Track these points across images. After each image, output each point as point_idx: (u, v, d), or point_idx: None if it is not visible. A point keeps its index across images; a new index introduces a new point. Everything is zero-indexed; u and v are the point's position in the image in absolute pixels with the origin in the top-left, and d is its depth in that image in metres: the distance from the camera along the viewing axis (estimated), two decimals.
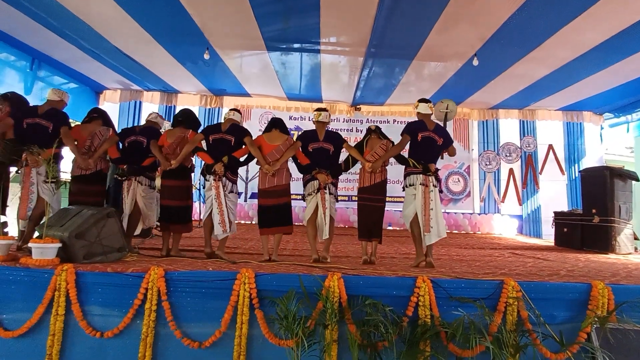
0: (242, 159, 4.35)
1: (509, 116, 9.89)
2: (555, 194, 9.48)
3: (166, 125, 5.38)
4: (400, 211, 7.73)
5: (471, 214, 9.72)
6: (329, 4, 5.25)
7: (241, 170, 4.56)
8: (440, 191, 4.28)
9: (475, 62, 6.53)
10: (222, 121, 4.38)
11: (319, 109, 4.48)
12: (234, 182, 4.21)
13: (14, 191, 4.25)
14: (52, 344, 2.91)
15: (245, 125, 4.57)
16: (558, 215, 7.39)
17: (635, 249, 6.46)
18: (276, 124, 4.34)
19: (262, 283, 3.02)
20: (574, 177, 9.50)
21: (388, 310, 2.87)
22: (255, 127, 9.17)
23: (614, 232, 6.13)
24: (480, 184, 9.87)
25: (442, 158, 4.58)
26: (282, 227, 4.16)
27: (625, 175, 6.47)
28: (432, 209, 4.06)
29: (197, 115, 4.73)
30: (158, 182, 4.54)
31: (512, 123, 9.91)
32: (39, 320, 2.95)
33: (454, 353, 2.90)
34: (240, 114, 4.49)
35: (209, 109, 9.69)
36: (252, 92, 9.43)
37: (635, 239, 6.47)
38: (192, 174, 4.56)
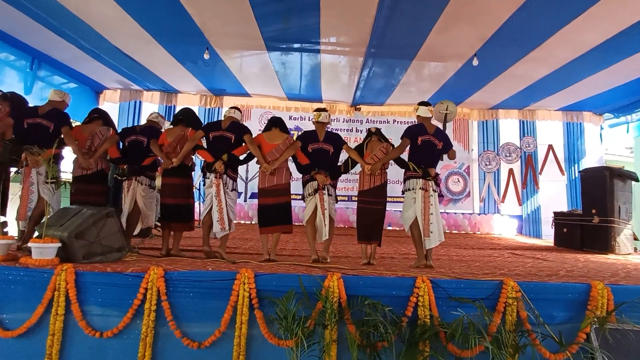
0: (242, 157, 4.35)
1: (509, 116, 9.89)
2: (555, 194, 9.48)
3: (167, 125, 5.38)
4: (400, 211, 7.75)
5: (471, 214, 9.73)
6: (329, 4, 5.25)
7: (241, 170, 4.56)
8: (440, 195, 4.27)
9: (475, 62, 6.53)
10: (222, 119, 4.39)
11: (318, 109, 4.47)
12: (235, 180, 4.21)
13: (14, 191, 4.25)
14: (52, 343, 2.91)
15: (244, 124, 4.57)
16: (558, 215, 7.39)
17: (635, 249, 6.46)
18: (276, 123, 4.34)
19: (261, 283, 3.03)
20: (573, 178, 9.50)
21: (387, 310, 2.88)
22: (255, 127, 9.15)
23: (614, 232, 6.13)
24: (480, 184, 9.87)
25: (441, 160, 4.58)
26: (282, 226, 4.16)
27: (625, 176, 6.47)
28: (431, 214, 4.07)
29: (197, 114, 4.73)
30: (158, 181, 4.54)
31: (512, 123, 9.91)
32: (39, 320, 2.95)
33: (453, 353, 2.90)
34: (241, 112, 4.50)
35: (209, 109, 9.70)
36: (252, 92, 9.44)
37: (635, 239, 6.47)
38: (192, 173, 4.56)
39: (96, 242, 3.42)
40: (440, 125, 6.80)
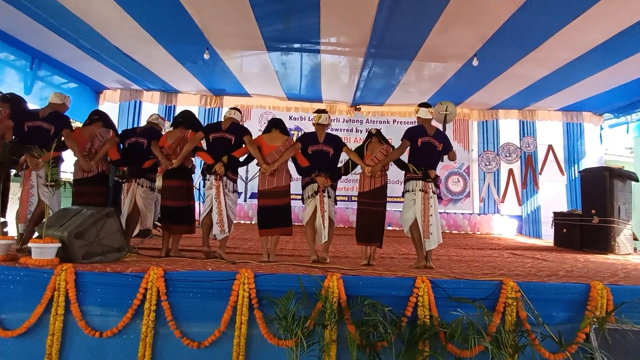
0: (242, 159, 4.35)
1: (509, 116, 9.89)
2: (554, 195, 9.49)
3: (167, 126, 5.38)
4: (400, 211, 7.75)
5: (471, 214, 9.73)
6: (329, 4, 5.26)
7: (241, 170, 4.56)
8: (440, 197, 4.28)
9: (475, 63, 6.54)
10: (222, 120, 4.39)
11: (318, 111, 4.47)
12: (235, 182, 4.22)
13: (14, 191, 4.25)
14: (52, 343, 2.92)
15: (244, 125, 4.57)
16: (557, 215, 7.39)
17: (635, 249, 6.46)
18: (276, 125, 4.34)
19: (261, 283, 3.03)
20: (573, 178, 9.50)
21: (387, 310, 2.88)
22: (255, 127, 9.17)
23: (614, 232, 6.13)
24: (479, 185, 9.87)
25: (442, 161, 4.57)
26: (282, 228, 4.16)
27: (625, 176, 6.47)
28: (431, 215, 4.07)
29: (197, 117, 4.73)
30: (159, 182, 4.54)
31: (512, 123, 9.92)
32: (38, 320, 2.96)
33: (453, 353, 2.91)
34: (241, 113, 4.50)
35: (209, 109, 9.69)
36: (252, 92, 9.44)
37: (635, 239, 6.47)
38: (193, 175, 4.56)
39: (96, 242, 3.42)
40: (440, 126, 6.82)
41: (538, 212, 9.54)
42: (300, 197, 4.42)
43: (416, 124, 4.43)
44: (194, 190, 5.15)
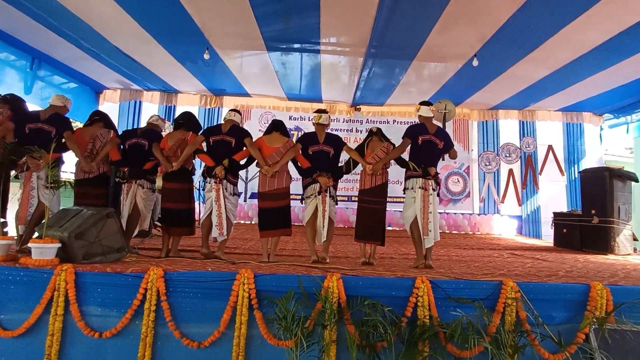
0: (242, 162, 4.35)
1: (509, 117, 9.89)
2: (554, 195, 9.49)
3: (167, 126, 5.38)
4: (400, 211, 7.76)
5: (471, 214, 9.73)
6: (329, 4, 5.26)
7: (241, 171, 4.56)
8: (438, 195, 4.28)
9: (475, 63, 6.54)
10: (222, 122, 4.39)
11: (319, 111, 4.47)
12: (235, 184, 4.22)
13: (14, 191, 4.25)
14: (51, 344, 2.92)
15: (245, 125, 4.59)
16: (557, 215, 7.40)
17: (635, 249, 6.46)
18: (277, 127, 4.34)
19: (261, 283, 3.03)
20: (573, 178, 9.50)
21: (387, 310, 2.88)
22: (255, 127, 9.19)
23: (613, 232, 6.13)
24: (479, 185, 9.87)
25: (443, 160, 4.57)
26: (282, 229, 4.16)
27: (625, 176, 6.47)
28: (430, 213, 4.08)
29: (197, 118, 4.73)
30: (159, 182, 4.54)
31: (512, 124, 9.92)
32: (38, 320, 2.96)
33: (453, 353, 2.91)
34: (241, 114, 4.50)
35: (209, 109, 9.69)
36: (252, 92, 9.44)
37: (635, 239, 6.47)
38: (193, 176, 4.56)
39: (96, 243, 3.42)
40: (440, 125, 6.81)
41: (538, 213, 9.54)
42: (300, 197, 4.43)
43: (417, 122, 4.43)
44: (194, 191, 5.15)
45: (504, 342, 2.82)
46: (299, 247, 5.35)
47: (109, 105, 9.27)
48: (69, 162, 4.58)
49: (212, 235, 4.07)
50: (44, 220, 3.44)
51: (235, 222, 4.32)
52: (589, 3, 4.90)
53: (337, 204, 4.36)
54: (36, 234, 3.72)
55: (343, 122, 9.93)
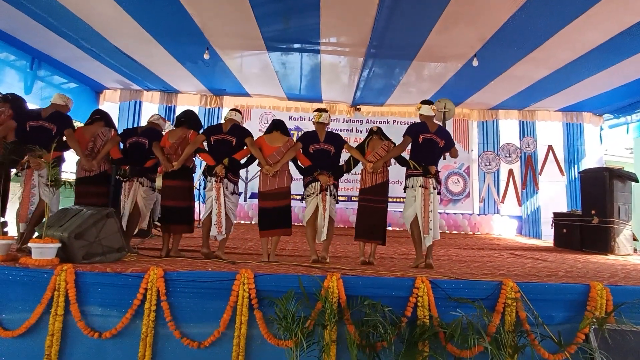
0: (243, 161, 4.35)
1: (509, 117, 9.90)
2: (554, 195, 9.49)
3: (167, 126, 5.39)
4: (400, 211, 7.76)
5: (471, 214, 9.73)
6: (329, 4, 5.26)
7: (241, 171, 4.56)
8: (439, 193, 4.28)
9: (475, 63, 6.54)
10: (223, 121, 4.39)
11: (319, 110, 4.47)
12: (236, 184, 4.22)
13: (14, 191, 4.25)
14: (51, 344, 2.92)
15: (245, 125, 4.58)
16: (557, 216, 7.40)
17: (634, 250, 6.46)
18: (277, 126, 4.34)
19: (261, 283, 3.03)
20: (573, 178, 9.51)
21: (387, 310, 2.88)
22: (255, 127, 9.18)
23: (613, 233, 6.13)
24: (479, 185, 9.87)
25: (444, 159, 4.57)
26: (282, 229, 4.16)
27: (625, 177, 6.47)
28: (431, 211, 4.08)
29: (199, 117, 4.73)
30: (159, 182, 4.54)
31: (512, 124, 9.92)
32: (38, 320, 2.96)
33: (453, 353, 2.91)
34: (241, 114, 4.50)
35: (209, 109, 9.69)
36: (252, 92, 9.44)
37: (634, 240, 6.47)
38: (193, 174, 4.56)
39: (96, 243, 3.42)
40: (440, 124, 6.80)
41: (538, 213, 9.54)
42: (300, 196, 4.42)
43: (419, 121, 4.44)
44: (194, 190, 5.15)
45: (503, 342, 2.82)
46: (299, 247, 5.35)
47: (109, 105, 9.27)
48: (70, 161, 4.58)
49: (211, 233, 4.07)
50: (44, 220, 3.44)
51: (235, 221, 4.32)
52: (589, 3, 4.91)
53: (337, 202, 4.36)
54: (36, 234, 3.72)
55: (343, 122, 9.93)
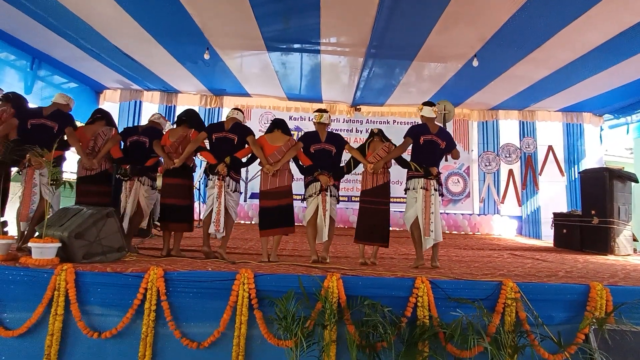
0: (244, 159, 4.35)
1: (509, 117, 9.90)
2: (554, 195, 9.49)
3: (168, 125, 5.39)
4: (400, 212, 7.76)
5: (470, 214, 9.73)
6: (329, 4, 5.26)
7: (241, 170, 4.56)
8: (441, 195, 4.28)
9: (475, 63, 6.54)
10: (225, 120, 4.39)
11: (319, 110, 4.48)
12: (237, 182, 4.22)
13: (14, 191, 4.25)
14: (51, 344, 2.91)
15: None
16: (557, 216, 7.40)
17: (634, 250, 6.46)
18: (278, 125, 4.34)
19: (261, 283, 3.03)
20: (573, 178, 9.51)
21: (387, 310, 2.88)
22: (255, 127, 9.17)
23: (613, 233, 6.13)
24: (479, 185, 9.88)
25: (446, 160, 4.57)
26: (284, 228, 4.16)
27: (625, 177, 6.47)
28: (432, 213, 4.07)
29: (200, 116, 4.74)
30: (159, 182, 4.55)
31: (512, 124, 9.92)
32: (39, 320, 2.96)
33: (453, 354, 2.91)
34: (243, 113, 4.51)
35: (209, 109, 9.69)
36: (252, 92, 9.44)
37: (634, 240, 6.47)
38: (193, 174, 4.56)
39: (96, 242, 3.42)
40: (441, 126, 6.81)
41: (538, 213, 9.54)
42: (301, 196, 4.42)
43: (420, 122, 4.44)
44: (194, 190, 5.15)
45: (503, 343, 2.83)
46: (299, 247, 5.35)
47: (109, 105, 9.26)
48: (71, 160, 4.58)
49: (209, 231, 4.07)
50: (45, 219, 3.44)
51: (236, 221, 4.31)
52: (589, 3, 4.91)
53: (338, 202, 4.36)
54: (37, 234, 3.72)
55: (343, 122, 9.93)
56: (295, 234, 4.78)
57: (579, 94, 8.21)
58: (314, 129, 4.46)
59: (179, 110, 9.08)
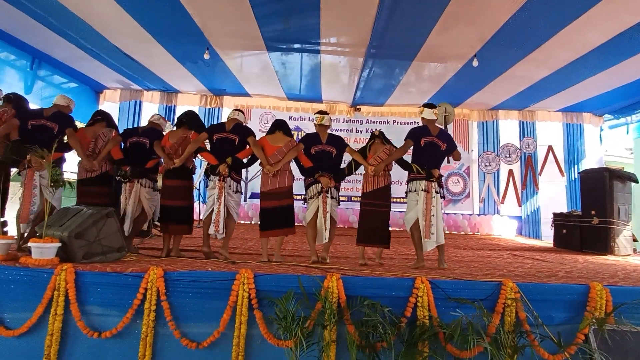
0: (245, 160, 4.35)
1: (509, 117, 9.90)
2: (554, 195, 9.49)
3: (168, 126, 5.39)
4: (400, 212, 7.76)
5: (470, 214, 9.73)
6: (329, 4, 5.26)
7: (242, 171, 4.56)
8: (443, 197, 4.28)
9: (475, 63, 6.54)
10: (226, 121, 4.39)
11: (320, 112, 4.47)
12: (238, 182, 4.22)
13: (14, 191, 4.26)
14: (51, 343, 2.92)
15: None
16: (557, 216, 7.40)
17: (634, 250, 6.46)
18: (280, 126, 4.35)
19: (261, 283, 3.03)
20: (573, 179, 9.51)
21: (386, 310, 2.88)
22: (255, 127, 9.18)
23: (613, 233, 6.13)
24: (479, 185, 9.88)
25: (448, 162, 4.57)
26: (284, 229, 4.16)
27: (625, 177, 6.47)
28: (433, 215, 4.07)
29: (200, 118, 4.73)
30: (159, 182, 4.55)
31: (512, 124, 9.92)
32: (39, 320, 2.96)
33: (452, 354, 2.91)
34: (244, 114, 4.51)
35: (209, 109, 9.69)
36: (252, 92, 9.44)
37: (634, 240, 6.47)
38: (193, 175, 4.56)
39: (96, 242, 3.42)
40: (442, 128, 6.81)
41: (538, 213, 9.54)
42: (302, 197, 4.42)
43: (421, 124, 4.44)
44: (194, 190, 5.15)
45: (503, 343, 2.83)
46: (299, 247, 5.35)
47: (109, 105, 9.28)
48: (72, 162, 4.58)
49: (209, 231, 4.07)
50: (45, 219, 3.44)
51: (237, 221, 4.30)
52: (589, 4, 4.91)
53: (339, 204, 4.36)
54: (38, 234, 3.72)
55: (343, 122, 9.93)
56: (295, 234, 4.78)
57: (579, 94, 8.21)
58: (315, 130, 4.46)
59: (179, 110, 9.10)
